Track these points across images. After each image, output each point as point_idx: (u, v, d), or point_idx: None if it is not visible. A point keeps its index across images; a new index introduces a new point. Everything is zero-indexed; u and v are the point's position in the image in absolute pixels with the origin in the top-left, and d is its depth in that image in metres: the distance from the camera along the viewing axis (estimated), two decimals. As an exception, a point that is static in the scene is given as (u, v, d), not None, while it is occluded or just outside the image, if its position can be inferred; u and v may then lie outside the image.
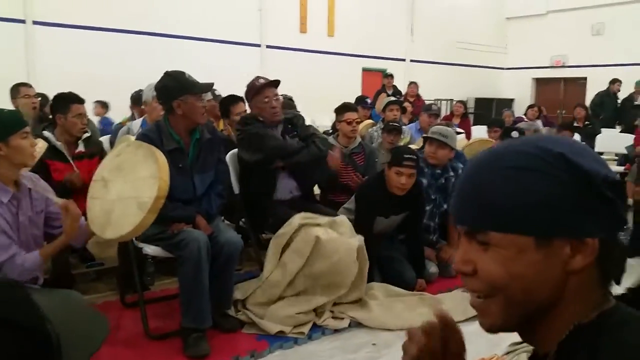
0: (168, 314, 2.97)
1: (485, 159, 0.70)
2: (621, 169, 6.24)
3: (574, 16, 13.10)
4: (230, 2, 9.63)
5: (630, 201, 2.51)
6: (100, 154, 3.45)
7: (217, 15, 9.43)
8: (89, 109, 3.71)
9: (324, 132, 6.20)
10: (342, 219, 3.15)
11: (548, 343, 0.68)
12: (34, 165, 2.51)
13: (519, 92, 14.39)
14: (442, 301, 3.16)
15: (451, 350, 0.75)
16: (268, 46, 10.32)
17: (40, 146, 2.80)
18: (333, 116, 4.27)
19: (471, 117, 11.26)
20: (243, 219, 3.35)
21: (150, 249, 2.77)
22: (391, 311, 2.99)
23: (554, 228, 0.63)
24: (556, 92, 14.10)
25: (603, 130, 7.73)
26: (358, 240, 3.03)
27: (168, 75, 2.78)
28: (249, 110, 3.59)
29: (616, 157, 7.08)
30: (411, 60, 12.73)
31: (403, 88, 9.30)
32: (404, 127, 5.16)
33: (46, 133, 3.19)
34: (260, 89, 3.21)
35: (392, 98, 6.36)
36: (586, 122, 7.83)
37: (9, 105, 4.37)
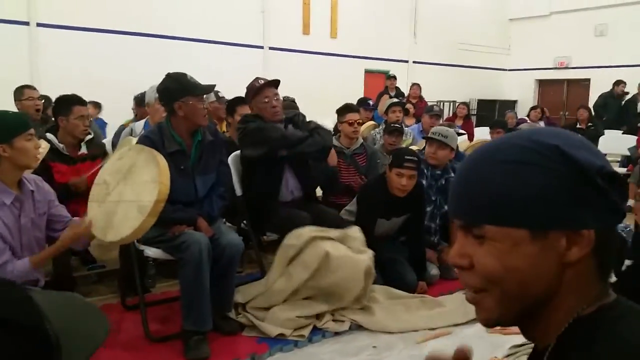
0: (169, 316, 2.97)
1: (480, 154, 0.70)
2: (624, 170, 6.22)
3: (577, 17, 13.06)
4: (232, 3, 9.64)
5: (631, 202, 2.50)
6: (103, 155, 3.46)
7: (219, 17, 9.44)
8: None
9: (326, 134, 6.21)
10: (355, 233, 3.10)
11: (547, 336, 0.68)
12: (37, 167, 2.53)
13: (522, 93, 14.36)
14: (443, 303, 3.16)
15: None
16: (271, 48, 10.33)
17: (43, 147, 2.81)
18: (335, 118, 4.28)
19: (474, 119, 11.25)
20: (244, 221, 3.35)
21: (151, 252, 2.78)
22: (392, 314, 2.99)
23: (549, 220, 0.63)
24: (559, 94, 14.07)
25: (606, 131, 7.71)
26: (368, 257, 2.99)
27: (170, 76, 2.79)
28: (250, 112, 3.59)
29: (619, 159, 7.06)
30: (414, 62, 12.72)
31: (406, 90, 9.29)
32: (406, 128, 5.16)
33: (49, 135, 3.20)
34: (260, 89, 3.21)
35: (395, 100, 6.35)
36: (589, 124, 7.81)
37: (12, 107, 4.39)
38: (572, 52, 13.29)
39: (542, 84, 14.55)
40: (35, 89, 4.73)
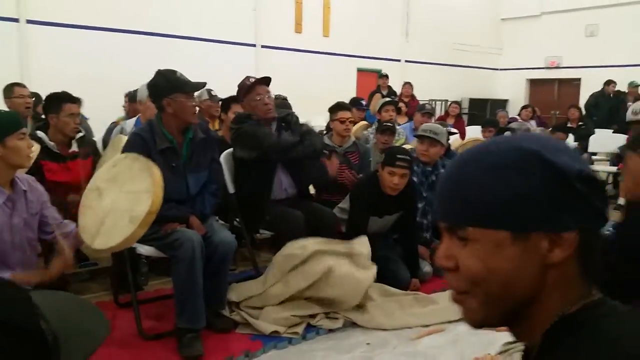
0: (162, 314, 2.96)
1: (464, 157, 0.72)
2: (614, 169, 6.28)
3: (568, 17, 13.15)
4: (225, 1, 9.60)
5: (622, 201, 2.52)
6: (94, 153, 3.44)
7: (212, 15, 9.41)
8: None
9: (319, 132, 6.21)
10: (361, 248, 3.05)
11: (533, 336, 0.69)
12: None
13: (514, 92, 14.44)
14: (437, 301, 3.17)
15: None
16: (263, 46, 10.30)
17: (34, 149, 2.79)
18: (328, 116, 4.28)
19: (465, 118, 11.30)
20: (237, 219, 3.34)
21: (144, 249, 2.77)
22: (386, 311, 2.99)
23: (530, 223, 0.65)
24: (550, 93, 14.16)
25: (597, 130, 7.77)
26: (371, 274, 2.96)
27: (160, 73, 2.78)
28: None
29: (609, 158, 7.12)
30: (406, 61, 12.74)
31: (398, 88, 9.31)
32: (398, 127, 5.17)
33: (39, 133, 3.17)
34: (251, 87, 3.21)
35: (387, 99, 6.37)
36: (580, 123, 7.86)
37: (1, 105, 4.35)
38: (563, 52, 13.39)
39: (533, 83, 14.65)
40: (25, 86, 4.69)
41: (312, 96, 8.81)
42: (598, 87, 9.49)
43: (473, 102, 13.83)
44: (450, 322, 2.91)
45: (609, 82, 9.26)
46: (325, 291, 2.86)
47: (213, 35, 9.47)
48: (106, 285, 3.33)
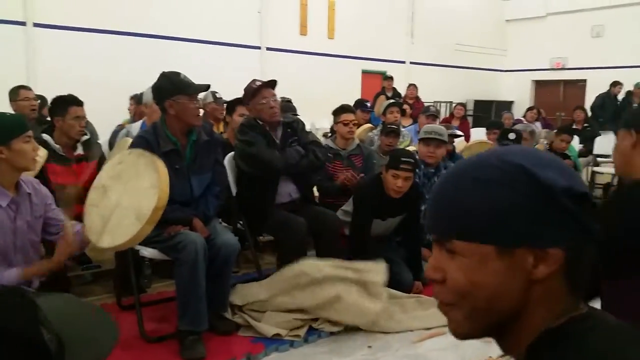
0: (164, 316, 2.97)
1: (454, 170, 0.72)
2: (620, 171, 6.23)
3: (573, 18, 13.09)
4: (229, 4, 9.63)
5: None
6: (100, 156, 3.46)
7: (217, 18, 9.43)
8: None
9: (323, 135, 6.22)
10: (376, 277, 2.92)
11: (519, 349, 0.69)
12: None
13: (519, 94, 14.38)
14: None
15: None
16: (268, 48, 10.32)
17: (41, 155, 2.80)
18: (332, 119, 4.29)
19: (470, 120, 11.26)
20: (240, 221, 3.35)
21: (147, 252, 2.78)
22: (387, 314, 2.98)
23: (515, 238, 0.65)
24: (556, 95, 14.09)
25: (602, 132, 7.74)
26: (380, 306, 2.86)
27: (163, 75, 2.80)
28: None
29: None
30: (411, 63, 12.72)
31: (403, 90, 9.30)
32: (403, 129, 5.17)
33: (45, 136, 3.19)
34: (257, 90, 3.21)
35: (392, 100, 6.36)
36: (585, 125, 7.83)
37: (7, 108, 4.38)
38: (568, 53, 13.33)
39: (539, 84, 14.59)
40: (30, 89, 4.72)
41: (317, 98, 8.83)
42: (604, 89, 9.44)
43: (478, 103, 13.78)
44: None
45: (616, 84, 9.22)
46: (330, 313, 2.82)
47: (218, 37, 9.50)
48: (109, 287, 3.34)
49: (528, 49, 14.00)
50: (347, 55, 11.47)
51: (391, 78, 9.08)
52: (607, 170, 6.66)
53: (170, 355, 2.55)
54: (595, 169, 6.97)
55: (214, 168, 2.96)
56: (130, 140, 3.21)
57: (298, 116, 3.85)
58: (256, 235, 3.44)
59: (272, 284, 2.93)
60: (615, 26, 12.32)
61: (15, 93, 4.55)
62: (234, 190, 3.34)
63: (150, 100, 3.68)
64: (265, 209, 3.21)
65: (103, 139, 4.26)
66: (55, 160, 3.16)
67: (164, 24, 8.84)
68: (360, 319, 2.82)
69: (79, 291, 3.22)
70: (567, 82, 13.84)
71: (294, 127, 3.35)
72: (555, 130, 6.44)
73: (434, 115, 5.75)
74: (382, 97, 8.15)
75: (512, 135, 4.64)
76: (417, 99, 8.77)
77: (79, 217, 2.53)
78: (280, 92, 3.36)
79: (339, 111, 4.08)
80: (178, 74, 2.80)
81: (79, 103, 3.29)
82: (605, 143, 7.27)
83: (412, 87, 8.85)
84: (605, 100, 9.19)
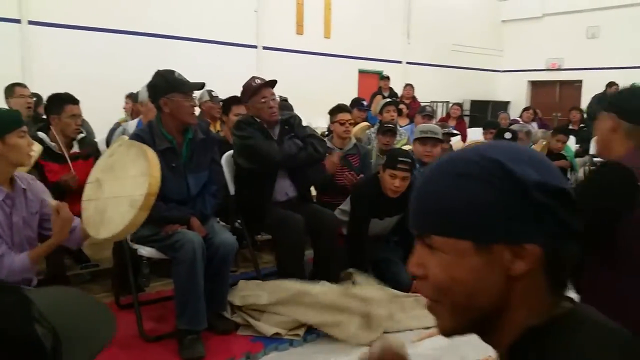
0: (163, 315, 2.96)
1: (435, 166, 0.72)
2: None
3: (569, 19, 13.14)
4: (226, 3, 9.61)
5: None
6: (96, 154, 3.44)
7: (213, 16, 9.41)
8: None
9: (321, 134, 6.21)
10: (380, 310, 2.83)
11: (501, 347, 0.69)
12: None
13: (515, 94, 14.42)
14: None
15: None
16: (264, 47, 10.30)
17: (36, 150, 2.79)
18: (329, 118, 4.29)
19: (467, 120, 11.29)
20: (238, 220, 3.34)
21: (145, 251, 2.77)
22: (387, 314, 2.98)
23: (491, 233, 0.64)
24: (552, 95, 14.15)
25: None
26: (376, 335, 2.75)
27: (158, 74, 2.80)
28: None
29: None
30: (407, 63, 12.74)
31: (399, 90, 9.30)
32: (400, 129, 5.17)
33: (40, 134, 3.18)
34: (257, 89, 3.20)
35: (389, 99, 6.37)
36: (581, 125, 7.86)
37: (3, 105, 4.36)
38: (564, 53, 13.37)
39: (535, 85, 14.64)
40: (26, 87, 4.70)
41: (314, 98, 8.81)
42: (599, 89, 9.48)
43: (474, 104, 13.82)
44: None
45: (612, 84, 9.25)
46: (326, 329, 2.79)
47: (214, 36, 9.47)
48: (107, 286, 3.33)
49: (524, 50, 14.04)
50: (344, 54, 11.47)
51: (388, 78, 9.08)
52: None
53: (169, 354, 2.54)
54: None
55: (210, 167, 2.95)
56: (126, 138, 3.20)
57: (295, 113, 3.84)
58: (254, 234, 3.43)
59: (275, 292, 2.86)
60: (611, 27, 12.38)
61: (11, 90, 4.53)
62: (231, 189, 3.33)
63: (145, 98, 3.66)
64: (263, 207, 3.20)
65: (100, 137, 4.24)
66: (51, 159, 3.14)
67: (160, 23, 8.81)
68: (357, 341, 2.74)
69: (77, 290, 3.20)
70: (563, 83, 13.89)
71: (291, 123, 3.34)
72: (551, 131, 6.47)
73: (429, 115, 5.77)
74: (379, 97, 8.14)
75: (508, 135, 4.67)
76: (414, 99, 8.78)
77: (76, 215, 2.51)
78: (276, 91, 3.35)
79: (335, 110, 4.08)
80: (172, 72, 2.79)
81: (75, 101, 3.28)
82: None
83: (409, 87, 8.86)
84: (602, 101, 9.22)
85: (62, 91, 3.30)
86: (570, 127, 7.70)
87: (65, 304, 0.84)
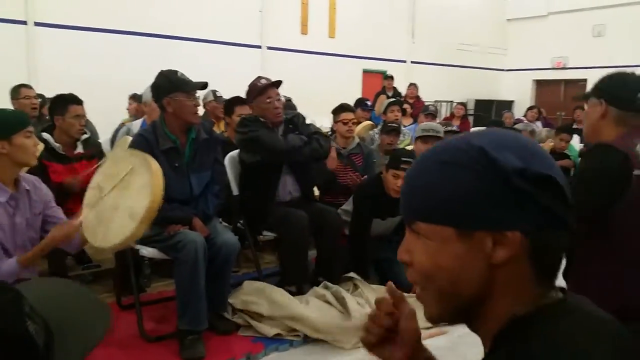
0: (164, 316, 2.97)
1: (424, 154, 0.73)
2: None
3: (574, 18, 13.07)
4: (230, 3, 9.62)
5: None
6: (99, 155, 3.46)
7: (218, 17, 9.43)
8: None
9: (325, 134, 6.21)
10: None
11: (488, 335, 0.69)
12: (33, 167, 2.52)
13: (519, 93, 14.36)
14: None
15: (402, 324, 0.81)
16: (269, 47, 10.31)
17: (38, 147, 2.81)
18: (332, 118, 4.29)
19: (471, 119, 11.26)
20: (241, 221, 3.35)
21: (146, 251, 2.77)
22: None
23: (473, 220, 0.64)
24: (556, 94, 14.07)
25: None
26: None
27: (161, 74, 2.82)
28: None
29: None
30: (412, 62, 12.71)
31: (403, 90, 9.29)
32: (403, 128, 5.16)
33: (44, 135, 3.19)
34: (263, 89, 3.21)
35: (393, 99, 6.36)
36: (586, 124, 7.79)
37: (8, 106, 4.38)
38: (569, 52, 13.30)
39: (539, 84, 14.56)
40: (31, 87, 4.73)
41: (318, 97, 8.81)
42: (605, 88, 9.42)
43: (479, 103, 13.78)
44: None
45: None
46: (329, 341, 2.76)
47: (219, 36, 9.49)
48: (109, 287, 3.34)
49: (529, 49, 13.98)
50: (348, 54, 11.46)
51: (392, 77, 9.07)
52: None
53: (170, 354, 2.55)
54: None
55: (213, 167, 2.95)
56: (130, 138, 3.21)
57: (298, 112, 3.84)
58: (256, 235, 3.44)
59: (276, 308, 2.81)
60: (617, 26, 12.30)
61: (16, 91, 4.55)
62: (234, 189, 3.34)
63: (149, 98, 3.68)
64: (266, 207, 3.21)
65: (104, 137, 4.26)
66: (55, 159, 3.16)
67: (164, 23, 8.84)
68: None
69: (79, 290, 3.21)
70: (567, 82, 13.81)
71: (295, 122, 3.35)
72: (555, 130, 6.44)
73: (432, 115, 5.77)
74: (383, 96, 8.15)
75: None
76: (418, 98, 8.77)
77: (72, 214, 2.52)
78: (280, 91, 3.36)
79: (338, 110, 4.08)
80: (175, 72, 2.81)
81: (79, 102, 3.30)
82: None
83: (413, 86, 8.85)
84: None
85: (66, 92, 3.32)
86: (575, 126, 7.65)
87: (56, 294, 0.84)
